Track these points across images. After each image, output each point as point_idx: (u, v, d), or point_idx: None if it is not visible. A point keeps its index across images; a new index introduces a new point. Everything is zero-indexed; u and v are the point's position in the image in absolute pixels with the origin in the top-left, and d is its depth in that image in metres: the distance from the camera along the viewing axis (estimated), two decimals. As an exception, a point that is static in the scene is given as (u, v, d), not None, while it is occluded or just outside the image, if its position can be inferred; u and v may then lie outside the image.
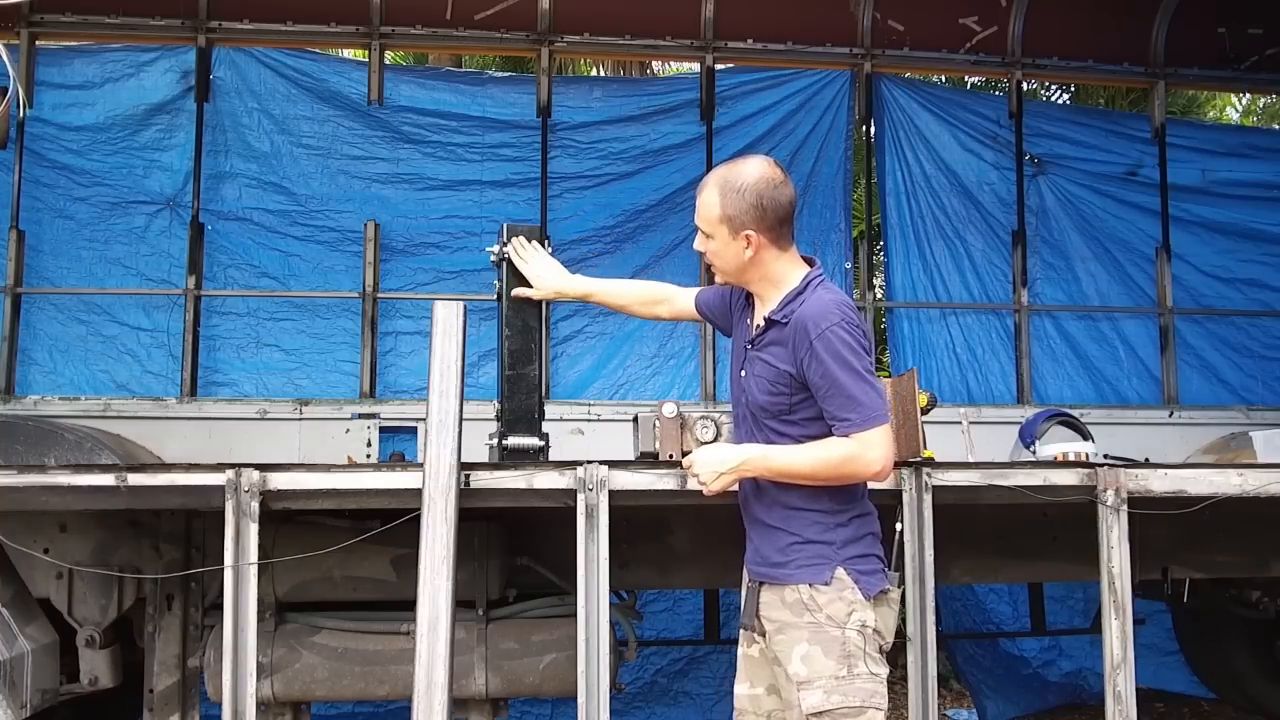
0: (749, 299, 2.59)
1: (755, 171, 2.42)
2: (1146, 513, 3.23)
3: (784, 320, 2.41)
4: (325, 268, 5.60)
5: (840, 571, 2.38)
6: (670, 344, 5.81)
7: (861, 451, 2.33)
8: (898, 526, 2.84)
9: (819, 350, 2.32)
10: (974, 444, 4.59)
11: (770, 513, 2.46)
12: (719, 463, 2.44)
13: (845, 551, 2.40)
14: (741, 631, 2.58)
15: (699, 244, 2.53)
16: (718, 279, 2.60)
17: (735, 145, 5.86)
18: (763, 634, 2.47)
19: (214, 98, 5.59)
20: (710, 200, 2.44)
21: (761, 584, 2.48)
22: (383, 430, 5.21)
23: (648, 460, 3.26)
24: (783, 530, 2.44)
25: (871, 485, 2.52)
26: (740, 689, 2.58)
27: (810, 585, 2.38)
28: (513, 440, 3.22)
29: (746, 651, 2.56)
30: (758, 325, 2.51)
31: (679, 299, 2.95)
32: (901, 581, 2.59)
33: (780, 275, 2.47)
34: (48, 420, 4.71)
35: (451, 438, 2.90)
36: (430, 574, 2.80)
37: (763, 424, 2.47)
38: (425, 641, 2.78)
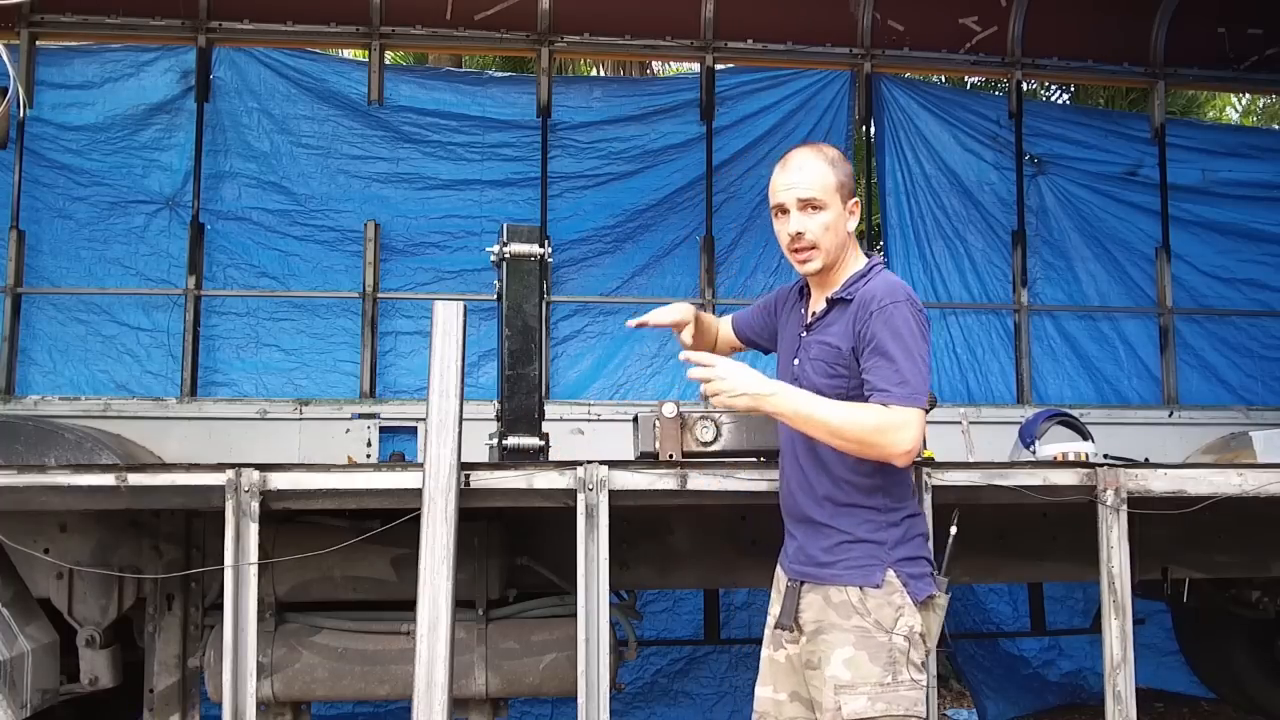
0: (802, 293, 2.56)
1: (830, 147, 2.47)
2: (1146, 513, 3.23)
3: (849, 297, 2.37)
4: (325, 267, 5.60)
5: (890, 574, 2.30)
6: (671, 344, 5.77)
7: (898, 425, 2.22)
8: (952, 530, 2.68)
9: (877, 320, 2.28)
10: (974, 444, 4.60)
11: (819, 509, 2.37)
12: (746, 384, 2.25)
13: (896, 552, 2.32)
14: (771, 633, 2.49)
15: (799, 224, 2.36)
16: (811, 266, 2.40)
17: (735, 145, 5.86)
18: (798, 635, 2.40)
19: (214, 98, 5.60)
20: (821, 169, 2.37)
21: (803, 583, 2.39)
22: (383, 430, 5.22)
23: (648, 460, 3.26)
24: (831, 528, 2.36)
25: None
26: (763, 691, 2.50)
27: (860, 588, 2.30)
28: (513, 440, 3.23)
29: (773, 655, 2.48)
30: (813, 312, 2.48)
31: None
32: (949, 587, 2.46)
33: (852, 254, 2.46)
34: (48, 420, 4.71)
35: (451, 438, 2.90)
36: (430, 574, 2.80)
37: None
38: (425, 641, 2.78)
